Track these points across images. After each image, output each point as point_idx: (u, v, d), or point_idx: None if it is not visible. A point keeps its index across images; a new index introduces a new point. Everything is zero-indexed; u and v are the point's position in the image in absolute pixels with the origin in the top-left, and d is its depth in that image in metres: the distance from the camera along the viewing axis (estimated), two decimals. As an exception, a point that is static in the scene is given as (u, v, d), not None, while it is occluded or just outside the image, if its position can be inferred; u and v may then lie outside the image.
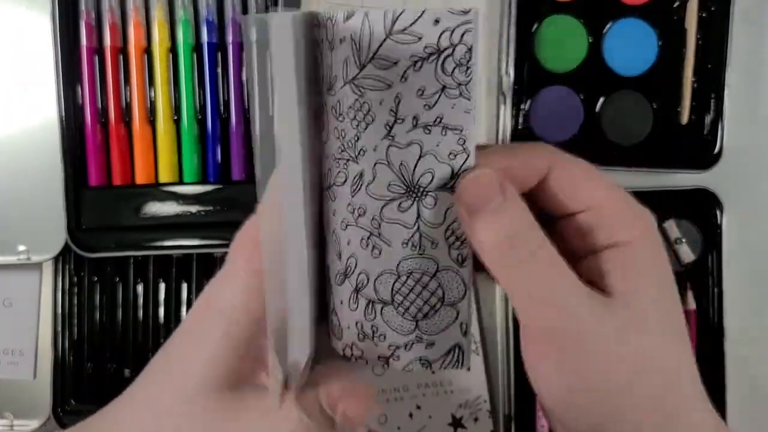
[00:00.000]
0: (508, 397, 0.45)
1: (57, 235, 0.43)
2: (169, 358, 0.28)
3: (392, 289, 0.27)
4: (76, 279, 0.46)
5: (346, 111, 0.26)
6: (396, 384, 0.45)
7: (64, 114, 0.43)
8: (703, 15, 0.44)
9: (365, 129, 0.26)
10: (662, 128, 0.45)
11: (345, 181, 0.27)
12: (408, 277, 0.27)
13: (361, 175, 0.26)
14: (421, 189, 0.26)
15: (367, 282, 0.27)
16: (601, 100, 0.45)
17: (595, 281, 0.25)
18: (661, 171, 0.45)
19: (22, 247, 0.44)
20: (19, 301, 0.46)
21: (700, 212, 0.45)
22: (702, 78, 0.45)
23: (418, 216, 0.26)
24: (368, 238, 0.27)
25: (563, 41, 0.45)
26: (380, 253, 0.27)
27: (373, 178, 0.26)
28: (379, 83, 0.25)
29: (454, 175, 0.25)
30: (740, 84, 0.45)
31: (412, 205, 0.26)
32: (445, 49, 0.24)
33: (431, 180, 0.26)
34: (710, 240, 0.45)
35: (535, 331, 0.25)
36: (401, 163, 0.26)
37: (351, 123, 0.26)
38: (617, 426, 0.24)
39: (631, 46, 0.45)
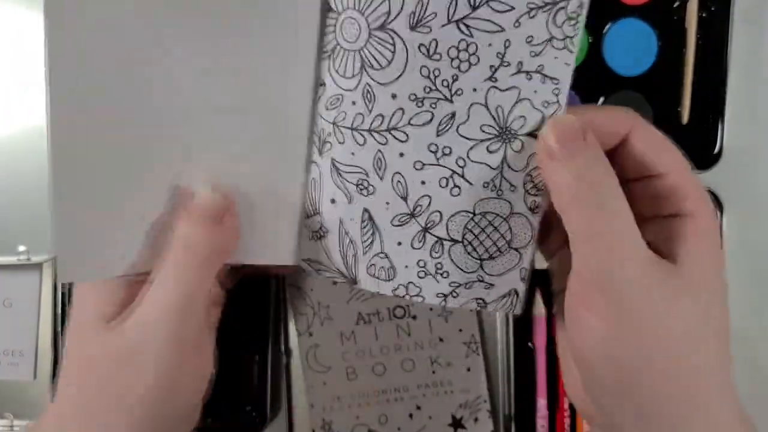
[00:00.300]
0: (508, 398, 0.45)
1: (57, 236, 0.43)
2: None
3: (465, 227, 0.27)
4: (76, 279, 0.46)
5: (446, 50, 0.25)
6: (396, 384, 0.45)
7: (64, 114, 0.43)
8: (703, 15, 0.44)
9: (466, 70, 0.26)
10: (662, 128, 0.44)
11: (430, 120, 0.27)
12: (482, 217, 0.27)
13: (453, 115, 0.26)
14: (512, 132, 0.26)
15: (440, 220, 0.28)
16: (601, 100, 0.45)
17: (656, 245, 0.26)
18: (661, 171, 0.45)
19: (22, 248, 0.44)
20: (19, 301, 0.46)
21: (700, 212, 0.45)
22: (702, 78, 0.45)
23: (504, 159, 0.26)
24: (450, 177, 0.27)
25: (563, 41, 0.45)
26: (459, 193, 0.27)
27: (467, 119, 0.26)
28: (492, 26, 0.25)
29: (544, 123, 0.26)
30: (740, 84, 0.45)
31: (500, 147, 0.26)
32: (561, 0, 0.25)
33: (522, 125, 0.26)
34: (710, 240, 0.45)
35: (589, 278, 0.25)
36: (498, 106, 0.26)
37: (450, 63, 0.26)
38: (646, 385, 0.25)
39: (631, 47, 0.45)
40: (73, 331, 0.32)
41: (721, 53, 0.44)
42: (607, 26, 0.45)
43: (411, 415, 0.45)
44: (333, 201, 0.30)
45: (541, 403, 0.45)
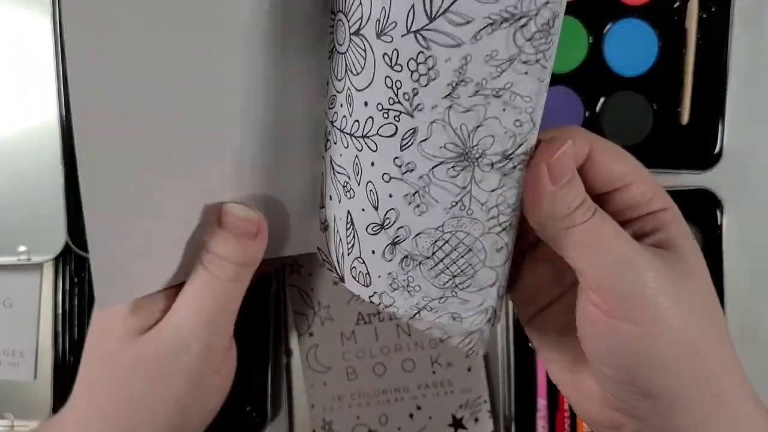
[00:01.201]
0: (508, 398, 0.45)
1: (57, 236, 0.43)
2: None
3: (434, 245, 0.27)
4: (76, 279, 0.45)
5: (406, 62, 0.24)
6: (396, 384, 0.45)
7: (64, 114, 0.43)
8: (704, 15, 0.44)
9: (426, 85, 0.24)
10: (662, 128, 0.45)
11: (394, 133, 0.25)
12: (452, 235, 0.26)
13: (414, 131, 0.25)
14: (480, 153, 0.25)
15: (408, 235, 0.27)
16: (602, 100, 0.45)
17: (641, 237, 0.27)
18: (662, 171, 0.45)
19: (22, 248, 0.44)
20: (19, 301, 0.46)
21: (700, 213, 0.45)
22: (702, 78, 0.45)
23: (472, 179, 0.25)
24: (414, 194, 0.26)
25: (563, 41, 0.45)
26: (426, 210, 0.26)
27: (428, 137, 0.25)
28: (449, 39, 0.23)
29: (517, 144, 0.25)
30: (741, 84, 0.45)
31: (466, 168, 0.25)
32: (527, 12, 0.23)
33: (491, 144, 0.25)
34: (710, 240, 0.45)
35: (603, 284, 0.25)
36: (461, 126, 0.24)
37: (410, 75, 0.24)
38: (684, 374, 0.25)
39: (631, 47, 0.45)
40: (98, 339, 0.32)
41: (721, 53, 0.44)
42: (608, 26, 0.45)
43: (411, 415, 0.45)
44: (330, 198, 0.30)
45: (542, 403, 0.45)
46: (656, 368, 0.25)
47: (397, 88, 0.25)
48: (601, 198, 0.28)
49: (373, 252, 0.28)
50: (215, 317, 0.30)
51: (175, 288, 0.31)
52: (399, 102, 0.25)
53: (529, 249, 0.31)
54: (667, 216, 0.27)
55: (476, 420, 0.45)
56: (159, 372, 0.30)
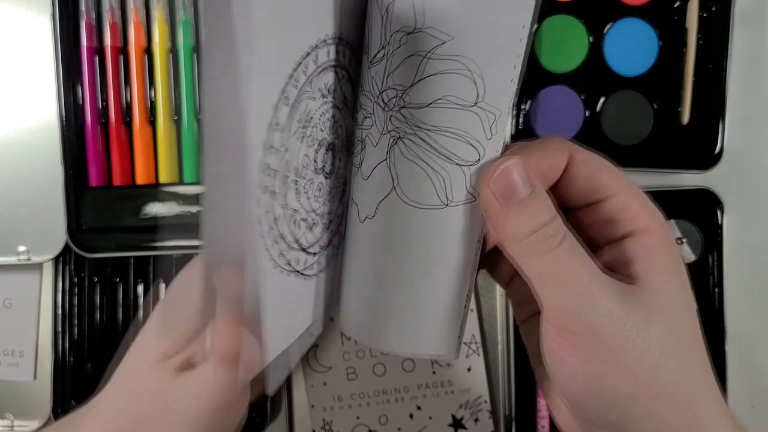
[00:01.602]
0: (508, 398, 0.45)
1: (57, 236, 0.43)
2: None
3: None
4: (76, 279, 0.45)
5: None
6: (397, 385, 0.45)
7: (64, 114, 0.43)
8: (704, 15, 0.44)
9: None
10: (663, 128, 0.45)
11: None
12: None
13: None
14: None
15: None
16: (602, 100, 0.45)
17: (616, 269, 0.26)
18: (662, 171, 0.45)
19: (22, 248, 0.44)
20: (19, 301, 0.46)
21: (700, 212, 0.45)
22: (702, 78, 0.45)
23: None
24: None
25: (564, 41, 0.45)
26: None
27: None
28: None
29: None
30: (741, 84, 0.45)
31: None
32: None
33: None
34: (711, 240, 0.45)
35: (558, 320, 0.25)
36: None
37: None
38: (639, 413, 0.25)
39: (631, 46, 0.45)
40: (129, 363, 0.32)
41: (722, 53, 0.44)
42: (608, 26, 0.45)
43: (411, 416, 0.45)
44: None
45: (542, 403, 0.45)
46: (605, 406, 0.25)
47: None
48: (579, 211, 0.27)
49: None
50: (226, 373, 0.30)
51: (212, 315, 0.31)
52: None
53: None
54: (646, 243, 0.26)
55: (476, 420, 0.45)
56: (161, 408, 0.30)
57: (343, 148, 0.30)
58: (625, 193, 0.26)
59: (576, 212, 0.27)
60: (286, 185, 0.26)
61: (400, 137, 0.25)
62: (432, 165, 0.25)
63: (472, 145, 0.25)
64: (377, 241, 0.27)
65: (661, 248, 0.26)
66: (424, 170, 0.26)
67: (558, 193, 0.27)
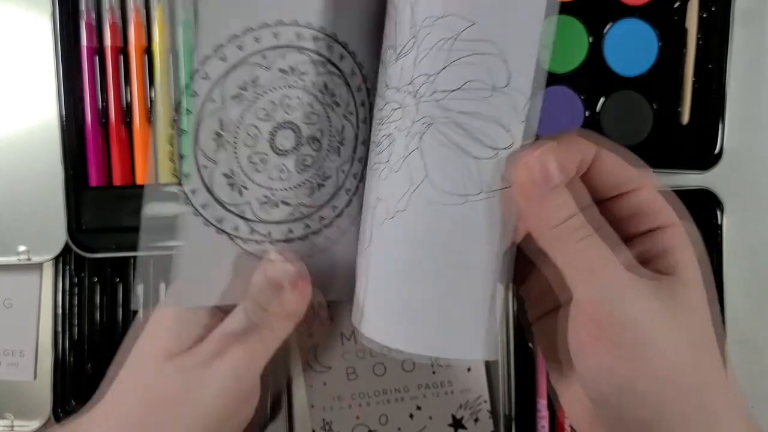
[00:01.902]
0: (508, 398, 0.45)
1: (57, 236, 0.43)
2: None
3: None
4: (76, 279, 0.45)
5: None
6: (396, 384, 0.45)
7: (64, 114, 0.43)
8: (704, 15, 0.44)
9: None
10: (662, 129, 0.45)
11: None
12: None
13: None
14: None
15: None
16: (602, 100, 0.45)
17: (647, 262, 0.26)
18: (662, 171, 0.45)
19: (22, 248, 0.44)
20: (19, 301, 0.46)
21: (700, 213, 0.45)
22: (702, 78, 0.45)
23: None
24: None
25: (563, 41, 0.45)
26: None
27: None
28: None
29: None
30: (741, 84, 0.45)
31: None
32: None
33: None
34: (711, 240, 0.45)
35: (591, 312, 0.25)
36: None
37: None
38: (670, 410, 0.24)
39: (631, 47, 0.45)
40: (135, 360, 0.32)
41: (722, 53, 0.44)
42: (608, 26, 0.45)
43: (411, 416, 0.45)
44: None
45: (542, 403, 0.45)
46: (638, 400, 0.25)
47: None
48: (606, 204, 0.27)
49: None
50: (241, 363, 0.30)
51: (219, 315, 0.32)
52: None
53: (537, 252, 0.30)
54: (672, 236, 0.26)
55: (476, 420, 0.45)
56: (173, 404, 0.30)
57: (326, 144, 0.31)
58: (650, 187, 0.27)
59: (602, 205, 0.27)
60: (218, 142, 0.29)
61: (431, 123, 0.26)
62: (464, 150, 0.26)
63: (505, 129, 0.25)
64: (409, 234, 0.27)
65: (688, 244, 0.26)
66: (456, 156, 0.26)
67: (587, 184, 0.27)
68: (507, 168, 0.26)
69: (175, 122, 0.29)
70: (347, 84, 0.30)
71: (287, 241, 0.32)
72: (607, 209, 0.27)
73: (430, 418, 0.45)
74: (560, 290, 0.28)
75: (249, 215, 0.31)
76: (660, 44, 0.45)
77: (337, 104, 0.30)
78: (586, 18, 0.45)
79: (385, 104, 0.28)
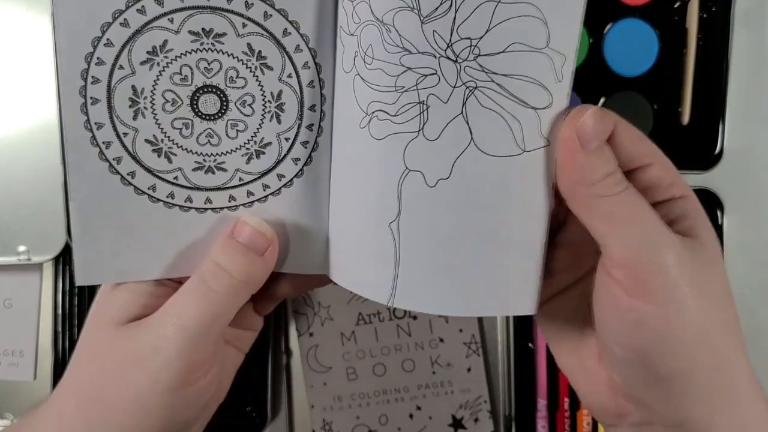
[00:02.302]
0: (508, 398, 0.45)
1: (57, 236, 0.43)
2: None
3: None
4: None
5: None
6: (396, 384, 0.45)
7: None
8: (704, 15, 0.44)
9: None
10: (663, 129, 0.45)
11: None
12: None
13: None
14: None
15: None
16: (602, 100, 0.45)
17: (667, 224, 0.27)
18: (662, 171, 0.45)
19: (22, 248, 0.44)
20: (19, 301, 0.46)
21: (700, 213, 0.45)
22: (703, 78, 0.45)
23: None
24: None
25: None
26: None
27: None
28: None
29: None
30: (741, 84, 0.45)
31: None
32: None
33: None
34: (711, 240, 0.45)
35: (630, 260, 0.25)
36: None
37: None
38: (699, 361, 0.25)
39: (631, 47, 0.45)
40: (89, 327, 0.32)
41: (722, 54, 0.44)
42: (608, 26, 0.45)
43: (411, 416, 0.45)
44: None
45: (542, 403, 0.45)
46: (672, 350, 0.25)
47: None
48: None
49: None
50: (196, 327, 0.29)
51: (171, 284, 0.31)
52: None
53: (551, 233, 0.31)
54: (687, 204, 0.27)
55: (476, 420, 0.45)
56: (125, 368, 0.29)
57: (259, 109, 0.30)
58: (661, 163, 0.28)
59: None
60: (135, 109, 0.29)
61: (476, 87, 0.26)
62: (510, 111, 0.26)
63: (546, 89, 0.26)
64: (457, 200, 0.27)
65: (701, 210, 0.27)
66: (503, 117, 0.26)
67: None
68: (548, 128, 0.27)
69: (83, 89, 0.28)
70: (279, 45, 0.29)
71: (231, 208, 0.31)
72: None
73: (430, 418, 0.45)
74: (575, 267, 0.29)
75: (183, 182, 0.30)
76: (660, 44, 0.45)
77: (268, 67, 0.30)
78: (587, 18, 0.44)
79: (404, 71, 0.27)
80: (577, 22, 0.26)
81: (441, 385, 0.45)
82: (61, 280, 0.45)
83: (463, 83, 0.26)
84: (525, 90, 0.26)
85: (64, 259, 0.45)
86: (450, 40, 0.26)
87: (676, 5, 0.45)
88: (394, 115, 0.28)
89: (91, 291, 0.45)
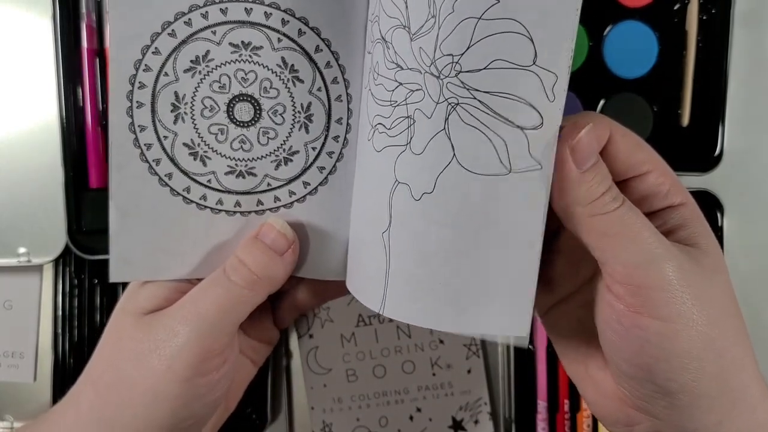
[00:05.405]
0: (508, 400, 0.45)
1: (57, 238, 0.43)
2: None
3: None
4: (76, 281, 0.45)
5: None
6: (396, 386, 0.45)
7: (64, 116, 0.43)
8: (704, 17, 0.44)
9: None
10: (663, 131, 0.45)
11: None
12: None
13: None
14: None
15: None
16: (602, 102, 0.45)
17: (666, 235, 0.26)
18: (662, 173, 0.45)
19: (22, 250, 0.44)
20: (19, 303, 0.46)
21: (700, 215, 0.45)
22: (702, 80, 0.45)
23: None
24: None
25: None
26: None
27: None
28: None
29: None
30: (741, 86, 0.45)
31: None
32: None
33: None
34: (710, 242, 0.45)
35: (630, 276, 0.25)
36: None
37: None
38: (708, 372, 0.25)
39: (631, 49, 0.45)
40: (114, 318, 0.32)
41: (722, 56, 0.44)
42: (608, 28, 0.45)
43: (411, 417, 0.45)
44: None
45: (542, 405, 0.45)
46: (677, 365, 0.25)
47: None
48: (619, 186, 0.28)
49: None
50: (212, 315, 0.30)
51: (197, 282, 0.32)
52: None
53: (548, 240, 0.31)
54: (687, 212, 0.27)
55: (476, 422, 0.45)
56: (141, 358, 0.30)
57: (289, 119, 0.32)
58: (660, 169, 0.27)
59: (619, 185, 0.28)
60: (176, 114, 0.31)
61: (458, 103, 0.26)
62: (493, 129, 0.26)
63: (534, 108, 0.25)
64: (439, 214, 0.27)
65: (700, 217, 0.27)
66: (485, 134, 0.26)
67: None
68: (540, 149, 0.26)
69: (130, 94, 0.30)
70: (311, 60, 0.31)
71: (258, 212, 0.32)
72: (620, 191, 0.28)
73: (430, 419, 0.45)
74: (564, 281, 0.29)
75: (215, 185, 0.32)
76: (660, 46, 0.45)
77: (300, 80, 0.31)
78: (586, 20, 0.45)
79: (397, 86, 0.27)
80: (567, 38, 0.25)
81: (441, 386, 0.45)
82: (61, 281, 0.45)
83: (446, 99, 0.26)
84: (510, 108, 0.25)
85: (64, 260, 0.45)
86: (434, 56, 0.26)
87: (675, 7, 0.45)
88: (389, 129, 0.28)
89: (91, 293, 0.45)
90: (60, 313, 0.45)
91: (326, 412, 0.45)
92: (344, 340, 0.45)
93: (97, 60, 0.44)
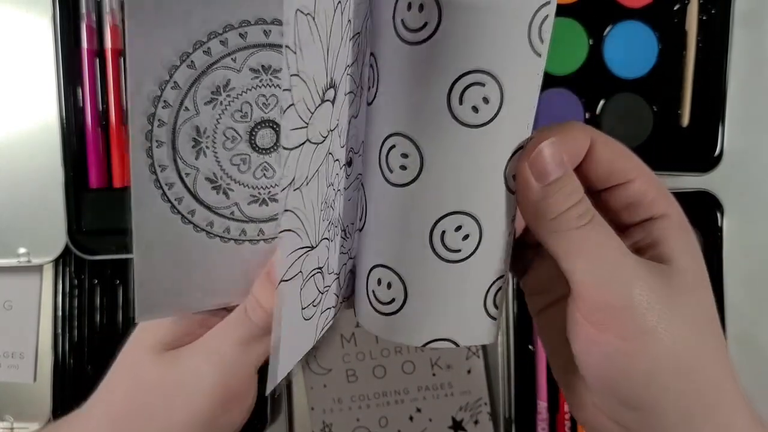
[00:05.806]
0: (508, 400, 0.45)
1: (57, 238, 0.43)
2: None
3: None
4: (76, 281, 0.45)
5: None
6: (396, 386, 0.45)
7: (64, 116, 0.43)
8: (704, 18, 0.44)
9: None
10: (663, 131, 0.45)
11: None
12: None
13: None
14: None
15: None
16: (602, 102, 0.45)
17: (642, 251, 0.26)
18: (662, 174, 0.45)
19: (22, 250, 0.44)
20: (19, 303, 0.46)
21: (700, 215, 0.45)
22: (702, 81, 0.45)
23: None
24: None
25: (563, 44, 0.45)
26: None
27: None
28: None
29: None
30: (741, 87, 0.45)
31: None
32: None
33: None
34: (711, 242, 0.45)
35: (594, 295, 0.25)
36: None
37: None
38: (673, 390, 0.25)
39: (631, 49, 0.45)
40: (130, 350, 0.32)
41: (721, 56, 0.44)
42: (608, 29, 0.45)
43: (411, 418, 0.45)
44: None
45: (542, 405, 0.45)
46: (640, 383, 0.25)
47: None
48: (601, 195, 0.28)
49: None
50: (234, 357, 0.30)
51: (218, 312, 0.32)
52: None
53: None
54: (668, 225, 0.26)
55: (476, 422, 0.45)
56: (164, 395, 0.30)
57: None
58: (644, 178, 0.27)
59: (596, 195, 0.27)
60: (197, 148, 0.29)
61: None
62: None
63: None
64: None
65: (684, 232, 0.26)
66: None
67: (580, 176, 0.27)
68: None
69: (150, 133, 0.29)
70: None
71: None
72: (602, 200, 0.27)
73: (430, 420, 0.45)
74: (557, 283, 0.28)
75: (238, 215, 0.31)
76: (660, 46, 0.45)
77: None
78: (586, 20, 0.45)
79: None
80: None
81: (441, 387, 0.45)
82: (61, 281, 0.45)
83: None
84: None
85: (64, 260, 0.45)
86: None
87: (675, 7, 0.45)
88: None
89: (91, 293, 0.45)
90: (60, 313, 0.45)
91: (326, 413, 0.45)
92: (344, 341, 0.45)
93: (97, 60, 0.44)
